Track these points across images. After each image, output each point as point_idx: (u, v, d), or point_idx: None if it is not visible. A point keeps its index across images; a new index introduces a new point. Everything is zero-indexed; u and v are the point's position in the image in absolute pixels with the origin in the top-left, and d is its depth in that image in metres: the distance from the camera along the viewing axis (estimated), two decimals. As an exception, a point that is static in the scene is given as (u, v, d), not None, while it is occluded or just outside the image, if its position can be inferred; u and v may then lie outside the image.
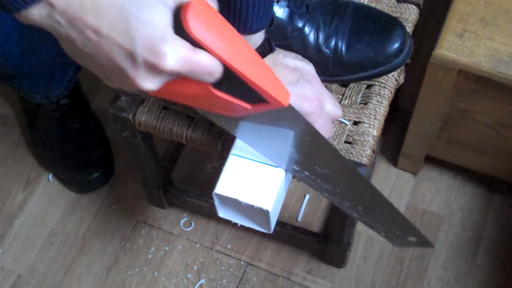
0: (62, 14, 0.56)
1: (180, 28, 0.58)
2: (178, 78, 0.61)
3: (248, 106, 0.65)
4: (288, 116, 0.72)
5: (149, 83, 0.60)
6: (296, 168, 0.80)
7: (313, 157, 0.77)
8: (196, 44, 0.59)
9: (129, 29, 0.56)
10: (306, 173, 0.80)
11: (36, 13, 0.56)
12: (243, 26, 0.74)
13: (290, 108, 0.68)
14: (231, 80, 0.62)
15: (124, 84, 0.61)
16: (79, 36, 0.57)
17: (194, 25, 0.58)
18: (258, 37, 0.77)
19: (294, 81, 0.80)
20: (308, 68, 0.84)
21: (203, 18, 0.58)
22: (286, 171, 0.82)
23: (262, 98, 0.64)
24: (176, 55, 0.58)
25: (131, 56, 0.57)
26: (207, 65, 0.60)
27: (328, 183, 0.80)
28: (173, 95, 0.65)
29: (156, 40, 0.57)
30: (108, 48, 0.57)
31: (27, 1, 0.55)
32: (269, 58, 0.79)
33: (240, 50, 0.62)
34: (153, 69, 0.58)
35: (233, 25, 0.74)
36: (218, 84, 0.63)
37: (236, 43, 0.62)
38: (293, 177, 0.84)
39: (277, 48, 0.81)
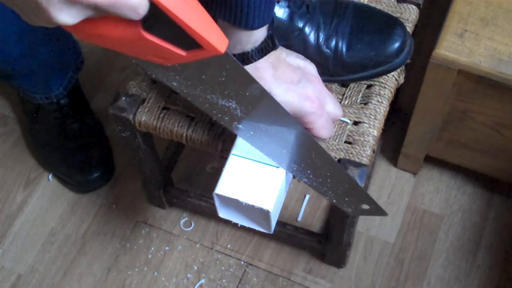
0: None
1: None
2: (100, 15, 0.57)
3: (182, 52, 0.60)
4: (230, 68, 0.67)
5: (65, 16, 0.55)
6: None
7: (258, 111, 0.75)
8: None
9: None
10: (251, 132, 0.78)
11: None
12: (245, 22, 0.73)
13: (227, 55, 0.64)
14: (163, 22, 0.57)
15: (39, 17, 0.57)
16: None
17: None
18: (261, 33, 0.77)
19: (296, 81, 0.80)
20: (310, 68, 0.84)
21: None
22: (285, 169, 0.82)
23: (198, 44, 0.59)
24: None
25: None
26: None
27: (276, 143, 0.79)
28: (99, 38, 0.60)
29: None
30: None
31: None
32: (272, 55, 0.78)
33: None
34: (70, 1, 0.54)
35: (235, 20, 0.74)
36: (149, 27, 0.58)
37: None
38: (293, 177, 0.84)
39: (280, 46, 0.80)
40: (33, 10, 0.56)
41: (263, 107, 0.74)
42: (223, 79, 0.69)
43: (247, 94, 0.72)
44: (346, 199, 0.85)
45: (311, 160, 0.80)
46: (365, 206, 0.85)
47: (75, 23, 0.56)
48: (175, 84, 0.72)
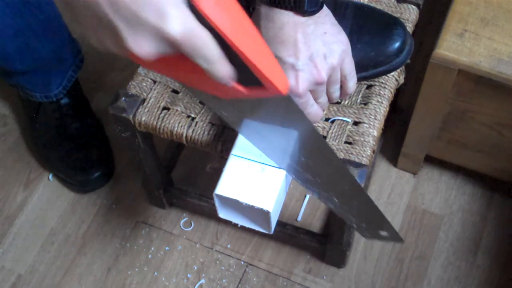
0: None
1: (188, 2, 0.57)
2: (172, 54, 0.59)
3: (243, 89, 0.63)
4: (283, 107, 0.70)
5: (144, 48, 0.58)
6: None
7: (299, 145, 0.77)
8: (201, 20, 0.57)
9: None
10: (289, 161, 0.79)
11: None
12: None
13: (287, 97, 0.66)
14: (229, 60, 0.60)
15: (114, 45, 0.59)
16: None
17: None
18: None
19: (295, 58, 0.78)
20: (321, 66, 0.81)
21: None
22: (283, 168, 0.82)
23: (259, 82, 0.62)
24: (182, 21, 0.56)
25: (134, 17, 0.56)
26: (207, 43, 0.58)
27: (310, 173, 0.79)
28: (165, 68, 0.63)
29: (166, 3, 0.56)
30: (109, 8, 0.56)
31: None
32: (300, 23, 0.77)
33: (245, 30, 0.60)
34: (155, 32, 0.57)
35: None
36: None
37: (242, 22, 0.60)
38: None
39: (328, 19, 0.79)
40: (110, 36, 0.58)
41: (310, 143, 0.76)
42: (276, 115, 0.71)
43: (297, 130, 0.74)
44: (365, 224, 0.84)
45: (342, 189, 0.81)
46: (383, 233, 0.84)
47: (149, 58, 0.58)
48: (225, 114, 0.75)
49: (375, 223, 0.84)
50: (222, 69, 0.60)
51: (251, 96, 0.63)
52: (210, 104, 0.76)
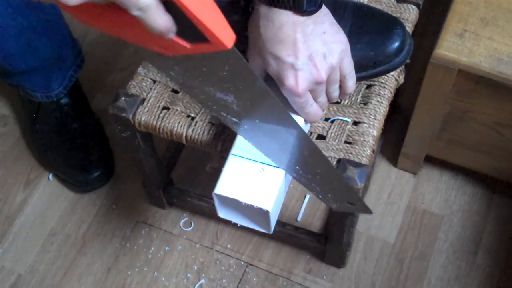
0: None
1: None
2: (105, 4, 0.55)
3: (186, 44, 0.59)
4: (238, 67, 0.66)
5: None
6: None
7: (256, 107, 0.74)
8: None
9: None
10: (248, 129, 0.77)
11: None
12: None
13: (233, 51, 0.62)
14: (169, 12, 0.56)
15: None
16: None
17: None
18: None
19: (295, 57, 0.78)
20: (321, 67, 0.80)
21: None
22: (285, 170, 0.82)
23: (204, 37, 0.57)
24: None
25: None
26: None
27: (273, 141, 0.78)
28: (101, 21, 0.59)
29: None
30: None
31: None
32: (300, 23, 0.77)
33: None
34: None
35: None
36: None
37: None
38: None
39: (327, 19, 0.79)
40: None
41: (262, 104, 0.73)
42: (224, 73, 0.67)
43: (247, 90, 0.71)
44: (332, 195, 0.84)
45: (303, 157, 0.80)
46: (350, 204, 0.84)
47: (75, 4, 0.54)
48: (172, 74, 0.70)
49: (341, 193, 0.83)
50: (159, 18, 0.56)
51: (194, 51, 0.59)
52: (156, 63, 0.70)
